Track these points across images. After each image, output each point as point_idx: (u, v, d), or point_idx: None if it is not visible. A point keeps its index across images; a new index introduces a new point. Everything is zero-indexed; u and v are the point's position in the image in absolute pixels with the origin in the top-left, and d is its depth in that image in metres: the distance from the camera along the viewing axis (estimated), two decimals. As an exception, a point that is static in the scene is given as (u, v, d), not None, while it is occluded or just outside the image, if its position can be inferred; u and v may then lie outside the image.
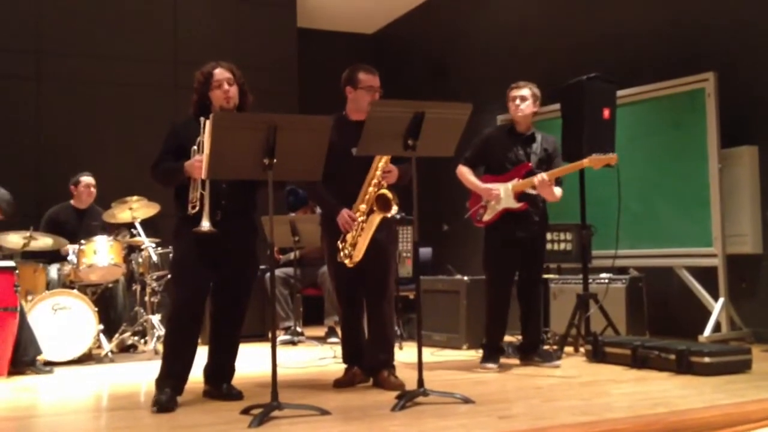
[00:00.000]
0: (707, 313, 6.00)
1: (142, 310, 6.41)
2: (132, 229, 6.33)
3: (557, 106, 6.05)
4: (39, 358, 5.29)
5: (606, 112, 5.59)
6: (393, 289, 4.44)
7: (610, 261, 5.75)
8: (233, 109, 3.98)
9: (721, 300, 5.98)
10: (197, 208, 3.84)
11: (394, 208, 4.12)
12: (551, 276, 6.49)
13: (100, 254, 5.93)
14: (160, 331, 6.05)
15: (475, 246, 5.32)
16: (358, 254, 4.22)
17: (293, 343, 6.76)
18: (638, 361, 4.71)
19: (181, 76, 8.13)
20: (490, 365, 4.94)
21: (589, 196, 5.72)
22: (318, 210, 5.84)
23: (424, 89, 9.46)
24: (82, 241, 5.99)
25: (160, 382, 3.85)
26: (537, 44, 8.02)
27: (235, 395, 4.00)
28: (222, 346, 4.11)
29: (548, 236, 6.31)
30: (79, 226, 6.56)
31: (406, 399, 3.66)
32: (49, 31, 8.20)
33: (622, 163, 5.47)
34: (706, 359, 4.39)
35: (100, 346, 5.93)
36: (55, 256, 6.29)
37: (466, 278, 6.09)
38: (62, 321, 5.61)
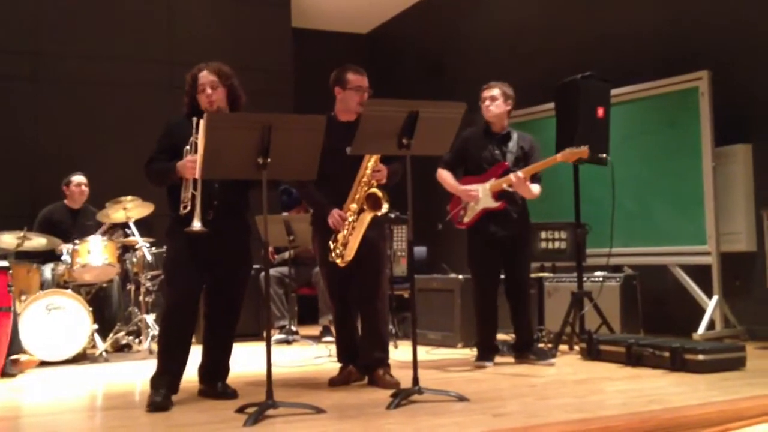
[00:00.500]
0: (701, 311, 6.02)
1: (136, 310, 6.40)
2: (126, 229, 6.33)
3: (551, 105, 6.06)
4: (17, 357, 5.25)
5: (600, 111, 5.60)
6: (386, 287, 4.44)
7: (604, 259, 5.77)
8: (221, 111, 3.96)
9: (715, 298, 6.00)
10: (188, 208, 3.84)
11: (385, 207, 4.12)
12: (546, 274, 6.50)
13: (94, 254, 5.92)
14: (155, 330, 6.05)
15: (470, 245, 5.32)
16: (350, 253, 4.23)
17: (288, 342, 6.76)
18: (632, 358, 4.72)
19: (177, 77, 8.06)
20: (485, 363, 4.96)
21: (583, 195, 5.73)
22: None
23: (419, 88, 9.46)
24: (76, 241, 5.98)
25: (155, 380, 3.84)
26: (531, 44, 8.03)
27: (230, 394, 4.00)
28: (216, 346, 4.10)
29: (542, 234, 6.35)
30: (73, 225, 6.56)
31: (401, 397, 3.67)
32: (45, 32, 8.19)
33: (617, 162, 5.50)
34: (700, 357, 4.40)
35: (94, 346, 5.92)
36: (49, 256, 6.28)
37: (460, 277, 6.10)
38: (56, 321, 5.60)
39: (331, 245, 4.27)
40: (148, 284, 6.30)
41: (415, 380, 3.75)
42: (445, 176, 5.14)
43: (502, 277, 5.12)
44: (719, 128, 6.11)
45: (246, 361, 5.12)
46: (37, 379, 5.07)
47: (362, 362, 4.38)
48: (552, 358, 5.05)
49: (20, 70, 8.07)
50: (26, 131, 8.04)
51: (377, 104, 3.87)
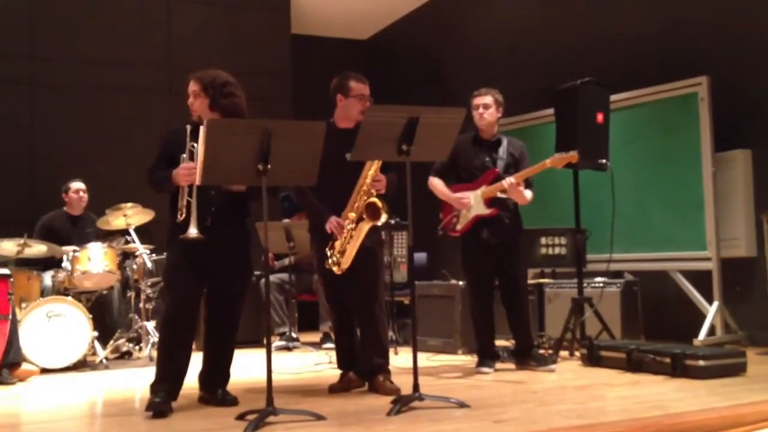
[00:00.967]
0: (702, 317, 6.01)
1: (136, 317, 6.40)
2: (126, 236, 6.32)
3: (551, 110, 6.06)
4: (25, 366, 5.25)
5: (600, 117, 5.60)
6: (383, 293, 4.44)
7: (604, 265, 5.76)
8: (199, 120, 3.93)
9: (716, 303, 5.99)
10: (184, 215, 3.85)
11: (384, 217, 4.12)
12: (546, 280, 6.50)
13: (95, 261, 5.92)
14: (155, 337, 6.04)
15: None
16: (347, 261, 4.22)
17: (288, 348, 6.74)
18: (633, 364, 4.72)
19: (176, 82, 8.12)
20: (485, 369, 4.95)
21: (583, 200, 5.73)
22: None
23: (418, 94, 9.46)
24: (76, 248, 5.98)
25: (155, 387, 3.84)
26: (531, 50, 8.04)
27: (230, 401, 3.99)
28: (217, 352, 4.10)
29: (542, 240, 6.35)
30: (73, 232, 6.55)
31: (402, 404, 3.66)
32: (43, 36, 8.19)
33: (617, 167, 5.50)
34: (701, 362, 4.40)
35: (94, 353, 5.91)
36: (49, 263, 6.28)
37: (461, 283, 6.09)
38: (57, 328, 5.58)
39: (328, 252, 4.27)
40: (149, 291, 6.30)
41: (416, 387, 3.75)
42: (436, 184, 5.15)
43: (497, 283, 5.12)
44: (719, 134, 6.11)
45: (246, 367, 5.11)
46: (38, 386, 5.06)
47: (362, 368, 4.37)
48: (553, 364, 5.04)
49: (18, 75, 8.06)
50: (24, 136, 8.03)
51: (377, 110, 3.87)
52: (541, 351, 5.51)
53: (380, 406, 3.77)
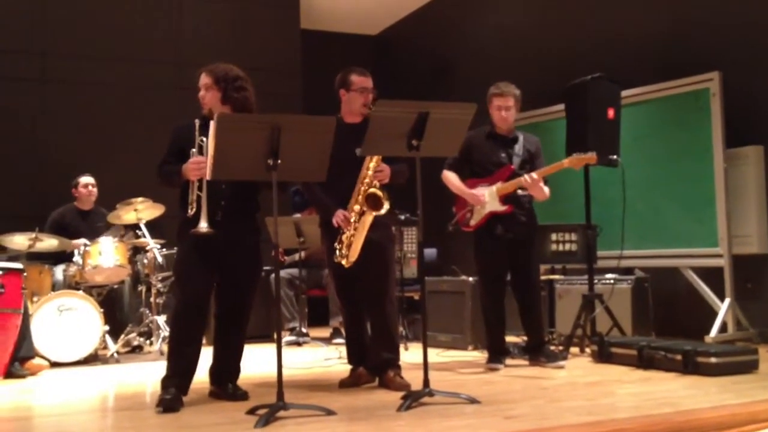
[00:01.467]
0: (713, 314, 5.99)
1: (147, 311, 6.42)
2: (137, 231, 6.34)
3: (561, 106, 6.04)
4: (35, 360, 5.27)
5: (611, 112, 5.58)
6: (394, 289, 4.43)
7: (615, 261, 5.74)
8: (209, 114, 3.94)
9: (727, 300, 5.96)
10: (195, 210, 3.85)
11: (386, 206, 4.10)
12: (556, 276, 6.48)
13: (106, 255, 5.93)
14: (166, 331, 6.06)
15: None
16: (354, 254, 4.22)
17: (298, 344, 6.76)
18: (644, 361, 4.70)
19: (184, 78, 8.11)
20: (496, 365, 4.94)
21: (594, 197, 5.71)
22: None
23: (428, 90, 9.46)
24: (87, 242, 6.00)
25: (166, 381, 3.86)
26: (540, 45, 8.01)
27: (241, 395, 4.00)
28: (227, 347, 4.11)
29: (553, 236, 6.34)
30: (84, 227, 6.57)
31: (412, 399, 3.66)
32: (52, 33, 8.21)
33: (628, 163, 5.47)
34: (713, 359, 4.38)
35: (105, 347, 5.94)
36: (60, 257, 6.30)
37: (471, 279, 6.08)
38: (68, 322, 5.61)
39: (336, 246, 4.27)
40: (159, 285, 6.32)
41: (426, 382, 3.74)
42: (450, 178, 5.13)
43: (509, 278, 5.11)
44: (730, 129, 6.07)
45: (257, 362, 5.12)
46: (49, 379, 5.09)
47: (372, 363, 4.37)
48: (563, 360, 5.03)
49: (27, 71, 8.09)
50: (34, 132, 8.06)
51: (387, 105, 3.86)
52: (552, 347, 5.49)
53: (390, 401, 3.77)
